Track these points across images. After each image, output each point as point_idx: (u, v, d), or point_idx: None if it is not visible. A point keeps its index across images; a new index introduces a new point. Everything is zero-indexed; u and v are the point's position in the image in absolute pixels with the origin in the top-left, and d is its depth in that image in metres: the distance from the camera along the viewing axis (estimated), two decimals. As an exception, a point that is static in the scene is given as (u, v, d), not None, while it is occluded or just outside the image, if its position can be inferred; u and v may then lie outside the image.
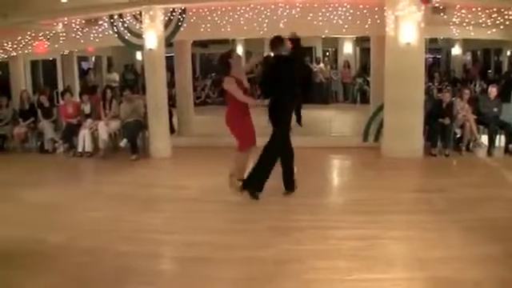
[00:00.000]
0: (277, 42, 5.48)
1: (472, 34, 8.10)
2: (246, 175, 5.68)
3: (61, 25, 9.15)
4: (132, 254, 4.10)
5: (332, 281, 3.50)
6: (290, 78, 5.40)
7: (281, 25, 8.05)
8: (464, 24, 7.92)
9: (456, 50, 17.02)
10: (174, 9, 8.37)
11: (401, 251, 4.05)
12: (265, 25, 8.26)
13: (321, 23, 8.19)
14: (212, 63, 17.42)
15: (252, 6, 8.23)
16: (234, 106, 5.56)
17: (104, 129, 8.46)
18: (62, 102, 9.69)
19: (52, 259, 4.02)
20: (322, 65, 15.59)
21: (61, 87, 12.33)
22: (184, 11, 8.40)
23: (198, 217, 5.11)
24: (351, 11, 8.08)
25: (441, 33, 9.29)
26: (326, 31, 8.67)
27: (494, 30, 7.96)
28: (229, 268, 3.79)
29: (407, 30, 7.35)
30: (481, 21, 7.87)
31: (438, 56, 18.35)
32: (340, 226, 4.66)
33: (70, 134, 8.80)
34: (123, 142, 8.36)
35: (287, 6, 8.17)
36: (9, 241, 4.45)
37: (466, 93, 8.23)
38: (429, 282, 3.41)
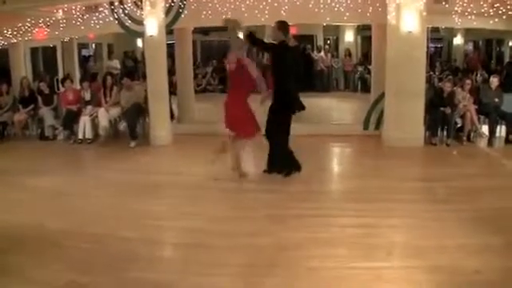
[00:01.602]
0: (287, 27, 5.52)
1: (474, 23, 8.02)
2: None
3: (61, 11, 9.08)
4: (134, 240, 4.13)
5: (332, 268, 3.53)
6: (294, 64, 5.47)
7: (282, 12, 7.98)
8: (466, 13, 7.85)
9: (458, 40, 16.94)
10: (174, -5, 8.32)
11: (401, 239, 4.08)
12: (266, 12, 8.17)
13: (322, 11, 8.11)
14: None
15: (253, -8, 8.17)
16: None
17: (104, 115, 8.46)
18: (62, 89, 9.66)
19: (54, 245, 4.04)
20: (322, 53, 15.51)
21: (61, 74, 12.29)
22: (185, -2, 8.34)
23: (199, 204, 5.14)
24: (353, -1, 8.02)
25: (442, 22, 9.21)
26: (328, 19, 8.60)
27: (496, 20, 7.88)
28: (229, 255, 3.82)
29: (409, 18, 7.31)
30: (483, 10, 7.80)
31: (439, 45, 18.26)
32: (340, 213, 4.69)
33: (70, 120, 8.78)
34: (123, 126, 8.37)
35: (289, -7, 8.11)
36: (11, 227, 4.47)
37: (467, 83, 8.22)
38: (428, 271, 3.43)
